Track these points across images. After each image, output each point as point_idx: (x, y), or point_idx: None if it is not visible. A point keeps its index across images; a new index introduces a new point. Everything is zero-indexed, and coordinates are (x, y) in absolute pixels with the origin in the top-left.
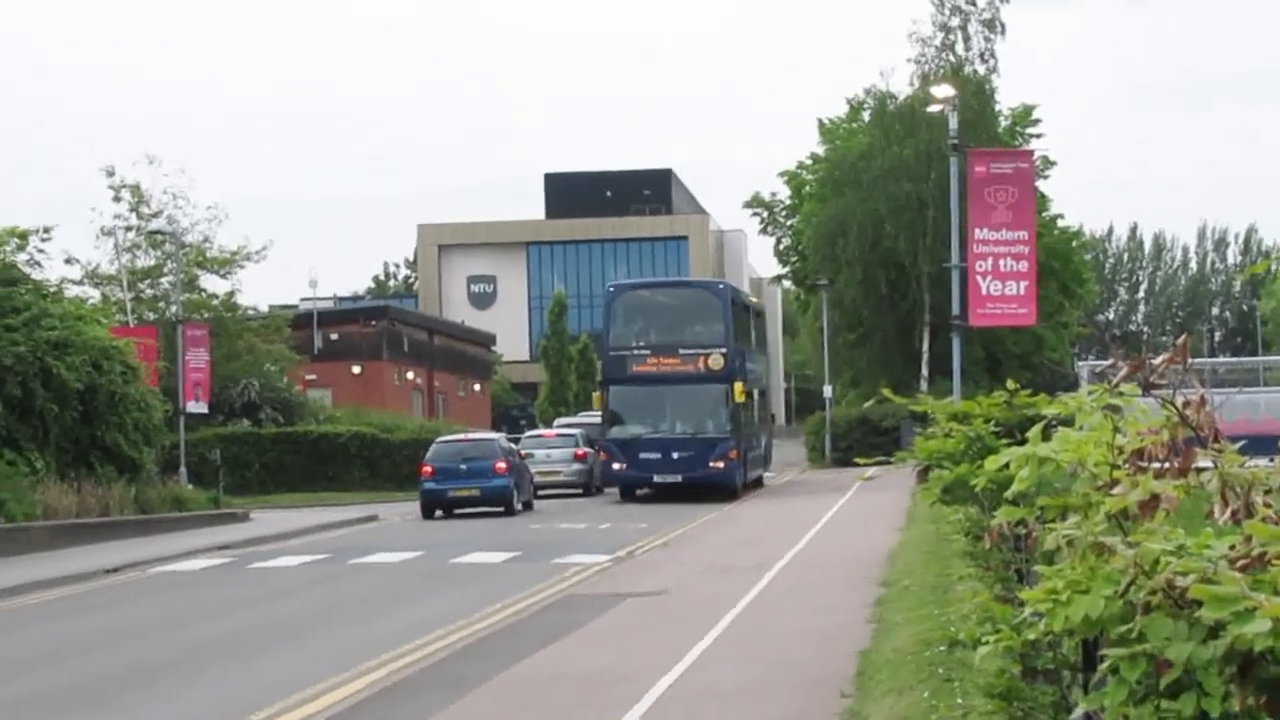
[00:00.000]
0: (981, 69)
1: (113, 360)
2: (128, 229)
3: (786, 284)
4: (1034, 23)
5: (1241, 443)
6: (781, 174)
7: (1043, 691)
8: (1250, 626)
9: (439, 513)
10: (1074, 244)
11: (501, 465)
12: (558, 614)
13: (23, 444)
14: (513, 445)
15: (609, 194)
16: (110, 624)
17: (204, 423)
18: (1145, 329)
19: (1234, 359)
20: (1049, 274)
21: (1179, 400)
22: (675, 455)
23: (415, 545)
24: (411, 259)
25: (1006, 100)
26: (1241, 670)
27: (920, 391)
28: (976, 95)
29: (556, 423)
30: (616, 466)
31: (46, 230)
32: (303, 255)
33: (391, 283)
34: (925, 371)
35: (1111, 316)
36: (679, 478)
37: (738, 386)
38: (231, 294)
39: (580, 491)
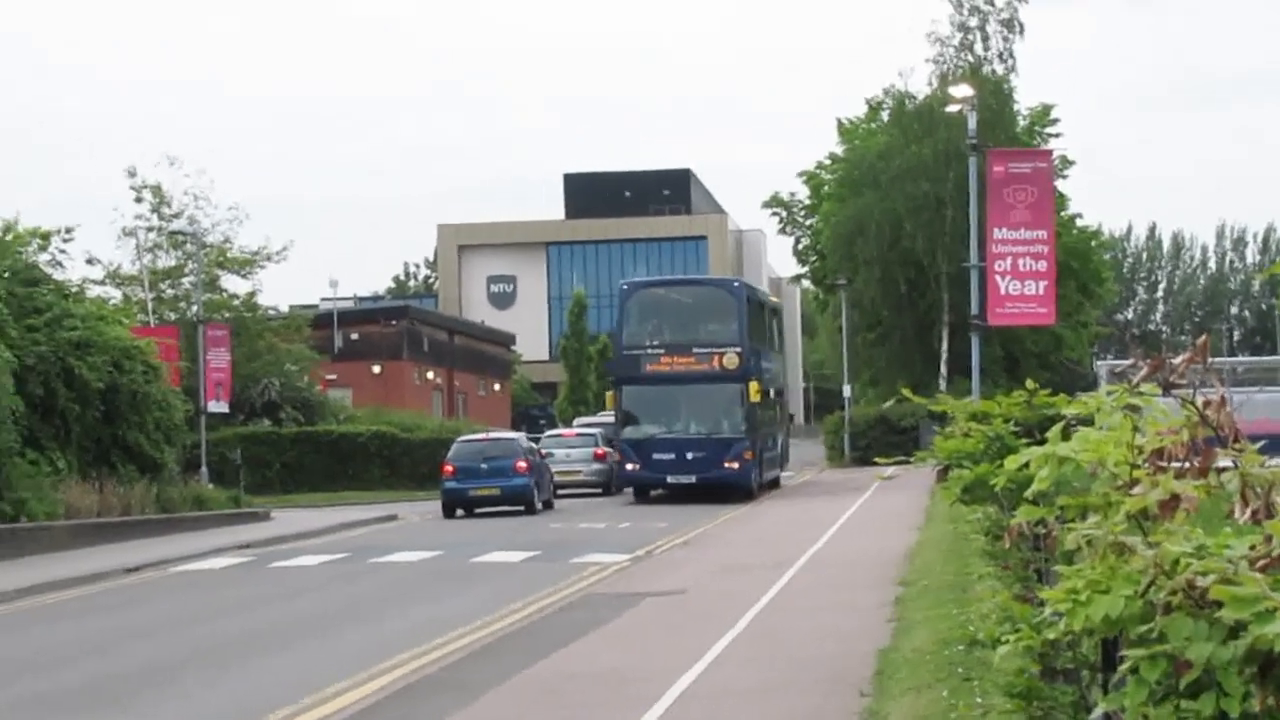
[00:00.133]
0: (1000, 69)
1: (134, 360)
2: (149, 229)
3: (805, 283)
4: (1052, 22)
5: (1262, 443)
6: (800, 174)
7: (1062, 691)
8: (1271, 627)
9: (460, 512)
10: (1093, 243)
11: (522, 464)
12: (577, 613)
13: (45, 443)
14: (533, 445)
15: (628, 194)
16: (130, 623)
17: (225, 422)
18: (1164, 328)
19: (1253, 358)
20: (1068, 273)
21: (1199, 400)
22: (689, 456)
23: (435, 544)
24: (431, 259)
25: (1025, 100)
26: (1262, 670)
27: (939, 391)
28: (995, 95)
29: (576, 422)
30: (630, 467)
31: (68, 231)
32: (323, 255)
33: (411, 283)
34: (944, 371)
35: (1130, 316)
36: (693, 479)
37: (753, 386)
38: (252, 294)
39: (600, 491)
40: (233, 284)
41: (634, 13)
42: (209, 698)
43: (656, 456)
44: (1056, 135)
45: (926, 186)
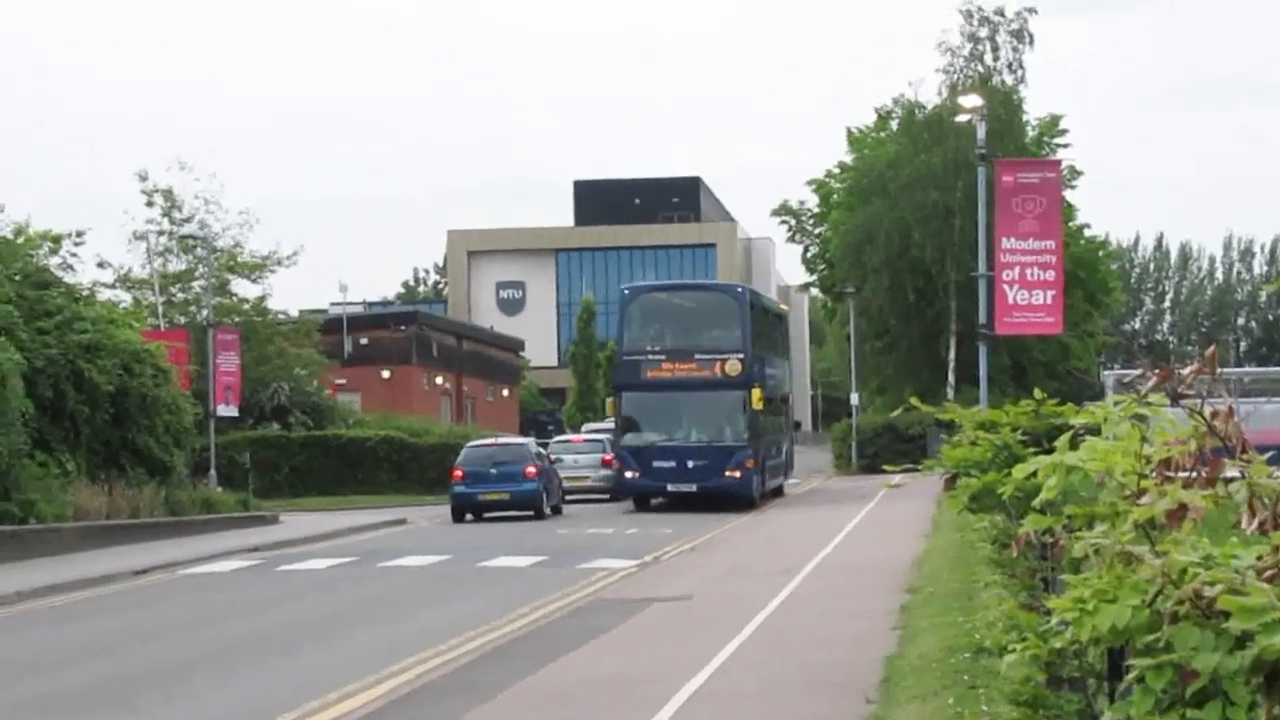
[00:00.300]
0: (1009, 79)
1: (144, 363)
2: (160, 233)
3: (814, 291)
4: (1062, 32)
5: (1270, 453)
6: (809, 182)
7: (1068, 700)
8: (1278, 637)
9: (469, 516)
10: (1100, 253)
11: (532, 469)
12: (584, 618)
13: (54, 446)
14: (542, 450)
15: (637, 201)
16: (138, 625)
17: (234, 426)
18: (1171, 338)
19: (1260, 369)
20: (1075, 283)
21: (1207, 410)
22: (690, 464)
23: (443, 549)
24: (441, 265)
25: (1034, 110)
26: (1268, 680)
27: (946, 399)
28: (1004, 105)
29: (584, 428)
30: (629, 475)
31: (79, 234)
32: (333, 260)
33: (421, 288)
34: (951, 379)
35: (1137, 326)
36: (694, 487)
37: (756, 393)
38: (262, 298)
39: (608, 497)
40: (243, 288)
41: (634, 13)
42: (218, 699)
43: (657, 464)
44: (1065, 145)
45: (935, 196)
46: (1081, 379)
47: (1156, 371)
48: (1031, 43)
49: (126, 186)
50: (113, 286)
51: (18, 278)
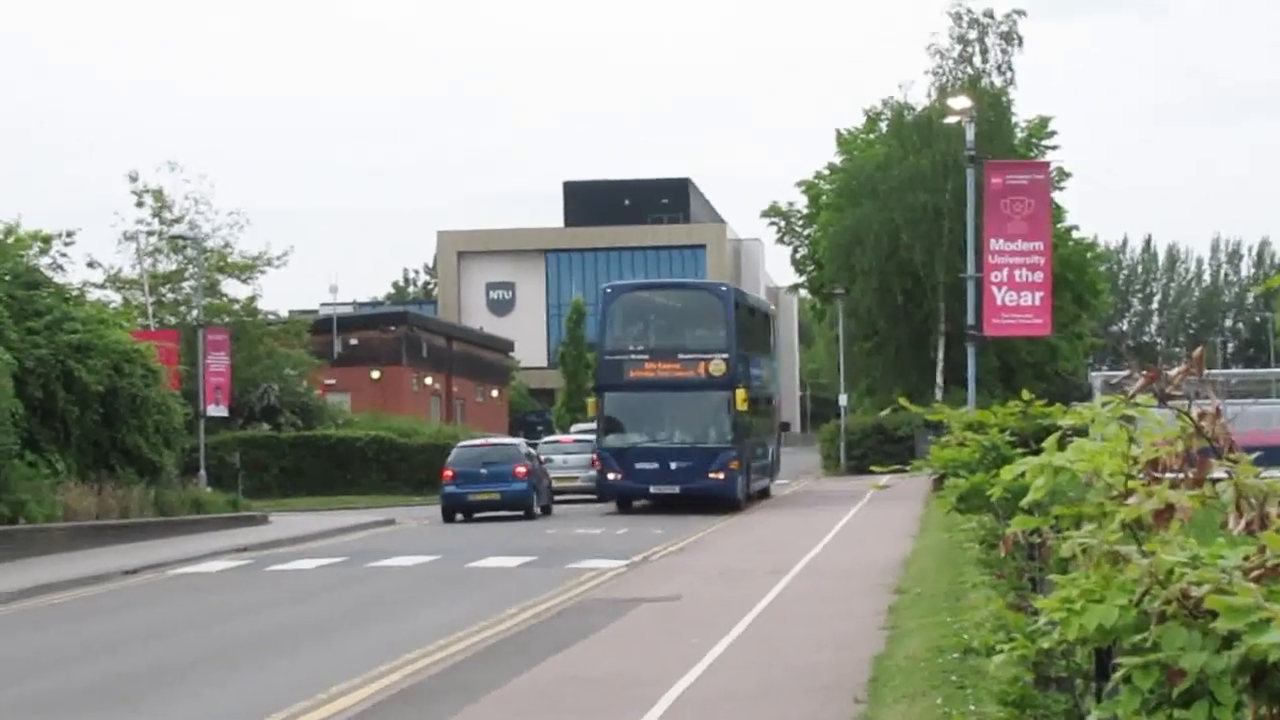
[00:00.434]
0: (999, 81)
1: (134, 364)
2: (150, 234)
3: (803, 293)
4: (1049, 35)
5: (1256, 455)
6: (799, 184)
7: (1055, 699)
8: (1265, 637)
9: (459, 516)
10: (1089, 255)
11: (522, 469)
12: (573, 619)
13: (44, 446)
14: (532, 450)
15: (627, 202)
16: (128, 625)
17: (224, 426)
18: (1159, 340)
19: (1247, 370)
20: (1063, 285)
21: (1194, 411)
22: (673, 465)
23: (432, 549)
24: (431, 265)
25: (1023, 112)
26: (1255, 680)
27: (935, 400)
28: (993, 107)
29: (573, 429)
30: (611, 476)
31: (69, 234)
32: (323, 261)
33: (411, 289)
34: (940, 380)
35: (1125, 327)
36: (676, 489)
37: (740, 394)
38: (252, 299)
39: (596, 497)
40: (233, 289)
41: (632, 15)
42: (208, 698)
43: (639, 466)
44: (1054, 148)
45: (924, 197)
46: (1070, 380)
47: (1144, 373)
48: (1021, 45)
49: (121, 187)
50: (103, 287)
51: (8, 278)
